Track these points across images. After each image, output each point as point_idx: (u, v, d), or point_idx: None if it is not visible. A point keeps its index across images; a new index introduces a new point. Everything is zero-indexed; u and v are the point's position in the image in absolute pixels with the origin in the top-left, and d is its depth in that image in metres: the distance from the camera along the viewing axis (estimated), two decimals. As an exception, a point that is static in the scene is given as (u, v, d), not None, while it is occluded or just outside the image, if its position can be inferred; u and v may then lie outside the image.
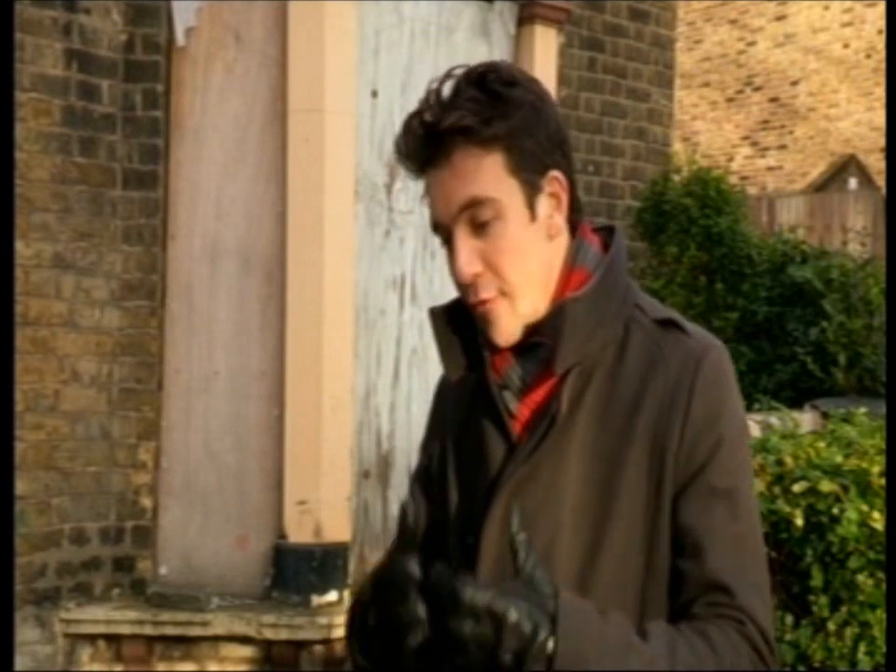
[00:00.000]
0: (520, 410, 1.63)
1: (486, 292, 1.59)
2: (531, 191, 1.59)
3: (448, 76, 1.59)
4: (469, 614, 1.33)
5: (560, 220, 1.63)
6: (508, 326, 1.60)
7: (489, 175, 1.57)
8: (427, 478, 1.79)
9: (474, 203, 1.56)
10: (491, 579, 1.58)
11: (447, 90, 1.57)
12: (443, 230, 1.61)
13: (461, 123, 1.54)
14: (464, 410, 1.71)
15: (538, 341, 1.60)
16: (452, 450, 1.73)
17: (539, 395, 1.61)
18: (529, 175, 1.58)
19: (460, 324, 1.68)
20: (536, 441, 1.58)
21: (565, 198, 1.63)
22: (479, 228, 1.58)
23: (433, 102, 1.57)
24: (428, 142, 1.57)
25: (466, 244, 1.58)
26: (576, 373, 1.58)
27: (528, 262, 1.60)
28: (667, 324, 1.63)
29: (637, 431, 1.57)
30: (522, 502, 1.57)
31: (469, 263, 1.58)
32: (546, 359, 1.59)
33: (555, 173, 1.61)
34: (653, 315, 1.64)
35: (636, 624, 1.50)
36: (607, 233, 1.69)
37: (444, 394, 1.80)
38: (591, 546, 1.57)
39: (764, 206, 11.23)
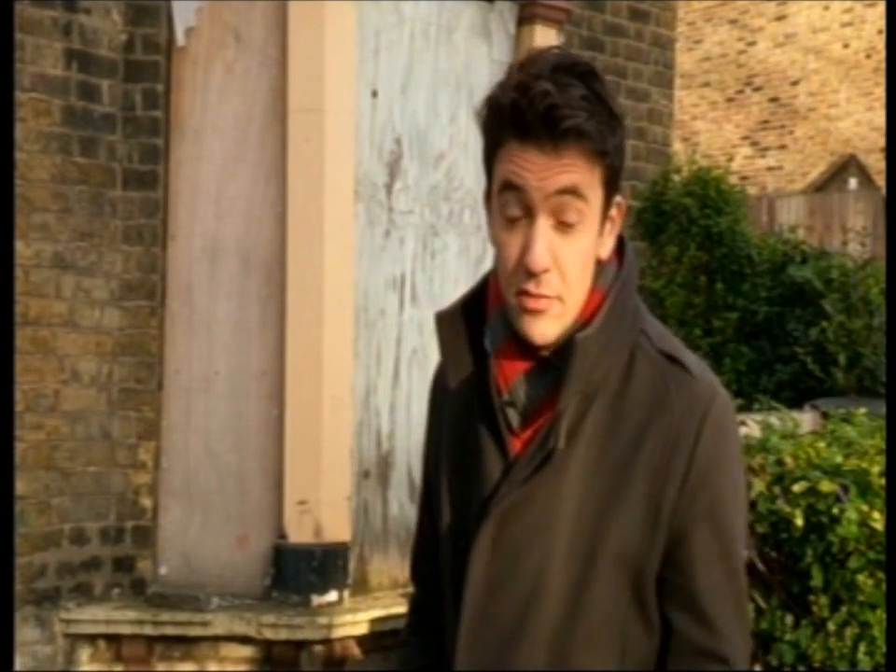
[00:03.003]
0: (523, 428, 1.60)
1: (548, 289, 1.54)
2: (606, 208, 1.58)
3: (539, 55, 1.55)
4: None
5: (610, 245, 1.62)
6: (551, 326, 1.57)
7: (590, 180, 1.54)
8: (428, 474, 1.79)
9: (572, 191, 1.52)
10: (480, 601, 1.59)
11: (552, 70, 1.52)
12: (519, 195, 1.54)
13: (585, 127, 1.50)
14: (463, 416, 1.68)
15: (554, 361, 1.58)
16: (448, 455, 1.71)
17: (544, 417, 1.59)
18: (610, 191, 1.58)
19: (465, 328, 1.65)
20: (531, 470, 1.56)
21: (619, 223, 1.62)
22: (562, 226, 1.54)
23: (548, 81, 1.50)
24: (547, 123, 1.50)
25: (547, 235, 1.53)
26: (577, 400, 1.56)
27: (587, 275, 1.58)
28: (672, 360, 1.61)
29: (637, 470, 1.56)
30: (512, 528, 1.57)
31: (544, 256, 1.53)
32: (555, 383, 1.57)
33: (620, 198, 1.61)
34: (659, 346, 1.62)
35: (618, 661, 1.55)
36: (618, 243, 1.67)
37: (440, 399, 1.77)
38: (582, 577, 1.56)
39: (764, 206, 11.22)
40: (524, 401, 1.60)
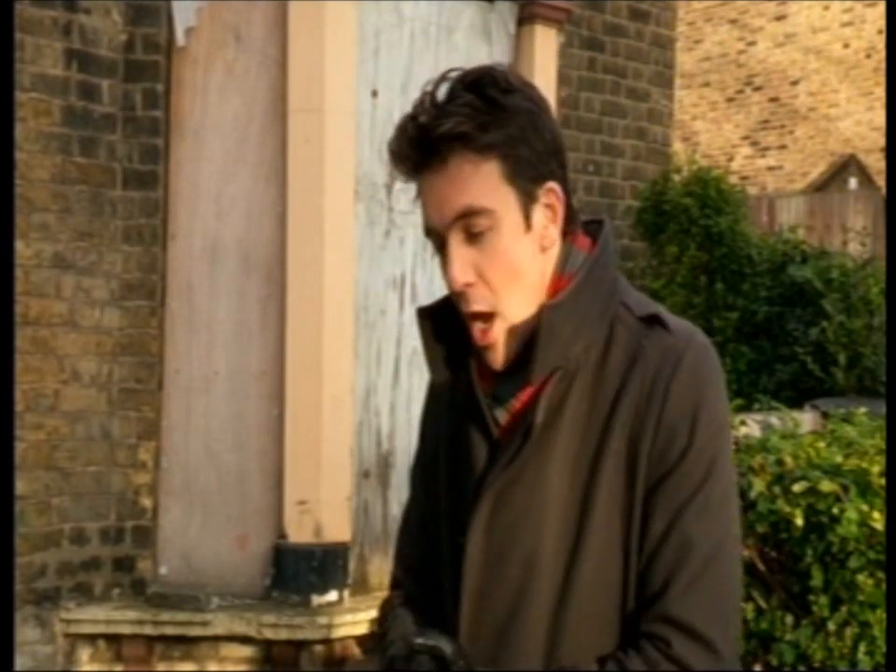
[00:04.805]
0: (503, 415, 1.62)
1: (478, 304, 1.57)
2: (526, 200, 1.56)
3: (443, 78, 1.56)
4: None
5: (554, 232, 1.60)
6: (506, 351, 1.59)
7: (485, 183, 1.54)
8: (424, 469, 1.80)
9: (469, 213, 1.54)
10: (477, 586, 1.60)
11: (442, 93, 1.54)
12: (436, 235, 1.58)
13: (457, 130, 1.51)
14: (456, 410, 1.70)
15: (522, 359, 1.59)
16: (444, 450, 1.72)
17: (522, 399, 1.60)
18: (525, 183, 1.56)
19: (448, 324, 1.66)
20: (514, 449, 1.58)
21: (560, 210, 1.60)
22: (473, 237, 1.55)
23: (428, 105, 1.54)
24: (423, 146, 1.54)
25: (459, 252, 1.56)
26: (557, 378, 1.57)
27: (520, 275, 1.57)
28: (651, 320, 1.60)
29: (614, 433, 1.56)
30: (504, 509, 1.58)
31: (463, 273, 1.55)
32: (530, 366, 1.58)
33: (552, 184, 1.58)
34: (638, 313, 1.61)
35: (617, 631, 1.55)
36: (597, 227, 1.66)
37: (438, 391, 1.78)
38: (571, 552, 1.56)
39: (764, 206, 11.21)
40: (504, 392, 1.62)
